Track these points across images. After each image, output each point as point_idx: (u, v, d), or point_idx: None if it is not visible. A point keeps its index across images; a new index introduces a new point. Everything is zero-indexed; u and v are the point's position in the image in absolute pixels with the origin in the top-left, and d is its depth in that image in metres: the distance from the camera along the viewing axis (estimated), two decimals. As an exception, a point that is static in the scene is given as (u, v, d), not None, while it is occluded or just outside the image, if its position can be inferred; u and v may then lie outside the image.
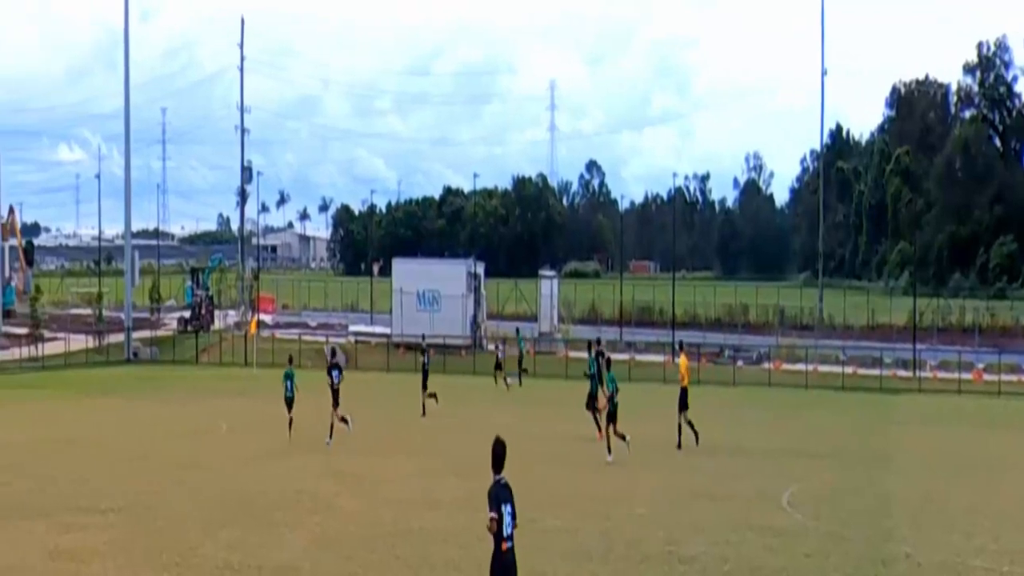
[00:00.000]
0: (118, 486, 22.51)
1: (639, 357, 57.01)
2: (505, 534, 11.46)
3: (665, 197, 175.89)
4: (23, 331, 63.53)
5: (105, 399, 35.21)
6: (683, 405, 27.22)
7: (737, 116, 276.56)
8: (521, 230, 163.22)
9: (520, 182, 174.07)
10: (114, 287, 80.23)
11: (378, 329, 64.87)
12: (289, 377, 29.52)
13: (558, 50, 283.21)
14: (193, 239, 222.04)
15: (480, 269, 64.88)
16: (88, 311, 74.16)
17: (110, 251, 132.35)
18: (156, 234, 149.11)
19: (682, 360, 28.44)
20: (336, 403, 28.92)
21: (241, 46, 76.37)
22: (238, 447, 28.12)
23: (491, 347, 60.83)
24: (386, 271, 75.05)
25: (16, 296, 78.75)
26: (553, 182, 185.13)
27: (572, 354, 56.92)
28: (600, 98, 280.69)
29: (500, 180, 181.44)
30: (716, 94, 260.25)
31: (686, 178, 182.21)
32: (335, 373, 29.63)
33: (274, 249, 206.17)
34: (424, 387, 35.42)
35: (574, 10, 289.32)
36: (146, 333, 66.05)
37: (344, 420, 28.92)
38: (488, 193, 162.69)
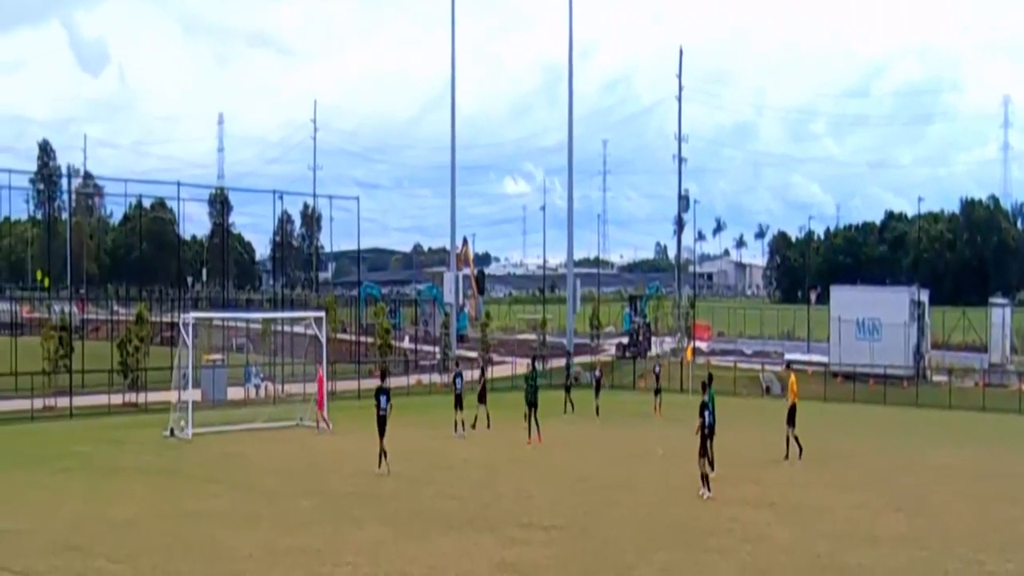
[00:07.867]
0: (559, 505, 23.43)
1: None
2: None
3: None
4: (474, 355, 67.43)
5: (545, 420, 36.71)
6: (791, 420, 30.65)
7: None
8: (970, 255, 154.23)
9: (969, 205, 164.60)
10: (557, 314, 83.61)
11: (816, 358, 63.51)
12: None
13: (1009, 64, 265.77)
14: (631, 267, 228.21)
15: (924, 296, 61.98)
16: (533, 336, 77.59)
17: (553, 279, 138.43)
18: (596, 263, 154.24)
19: (791, 378, 32.06)
20: (382, 432, 26.56)
21: (679, 76, 77.23)
22: (672, 472, 28.39)
23: (939, 378, 57.97)
24: (824, 298, 73.44)
25: (468, 322, 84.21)
26: (1006, 204, 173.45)
27: (1027, 387, 53.14)
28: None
29: (946, 203, 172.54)
30: None
31: None
32: (383, 399, 26.77)
33: (710, 276, 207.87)
34: (458, 407, 37.15)
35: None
36: (586, 358, 68.34)
37: (383, 453, 26.72)
38: (933, 217, 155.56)
